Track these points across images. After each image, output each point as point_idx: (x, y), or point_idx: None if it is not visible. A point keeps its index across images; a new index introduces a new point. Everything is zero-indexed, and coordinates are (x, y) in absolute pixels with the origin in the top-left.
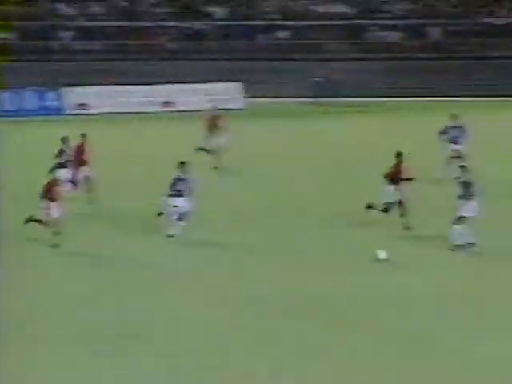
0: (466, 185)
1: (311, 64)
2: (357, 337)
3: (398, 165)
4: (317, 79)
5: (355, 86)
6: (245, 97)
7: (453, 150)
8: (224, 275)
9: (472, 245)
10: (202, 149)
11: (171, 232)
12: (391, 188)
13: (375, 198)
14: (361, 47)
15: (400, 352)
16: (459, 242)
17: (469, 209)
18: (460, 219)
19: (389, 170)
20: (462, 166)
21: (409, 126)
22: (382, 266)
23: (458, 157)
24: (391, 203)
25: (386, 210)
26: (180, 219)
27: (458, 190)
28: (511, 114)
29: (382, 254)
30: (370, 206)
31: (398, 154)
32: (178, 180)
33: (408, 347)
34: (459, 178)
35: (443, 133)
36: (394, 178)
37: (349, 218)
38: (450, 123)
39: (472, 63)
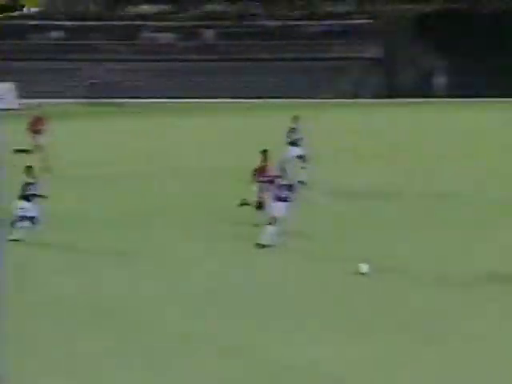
0: (289, 187)
1: (85, 65)
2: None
3: (264, 162)
4: (91, 80)
5: (128, 86)
6: (19, 97)
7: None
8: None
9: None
10: (20, 150)
11: (15, 236)
12: (257, 185)
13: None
14: (135, 49)
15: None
16: (267, 242)
17: (280, 209)
18: (272, 220)
19: (256, 167)
20: (303, 168)
21: (165, 127)
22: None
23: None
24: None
25: (259, 207)
26: (27, 223)
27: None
28: (279, 114)
29: (365, 268)
30: (244, 203)
31: (264, 151)
32: (27, 185)
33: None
34: (302, 181)
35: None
36: (259, 175)
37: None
38: (293, 125)
39: (246, 65)
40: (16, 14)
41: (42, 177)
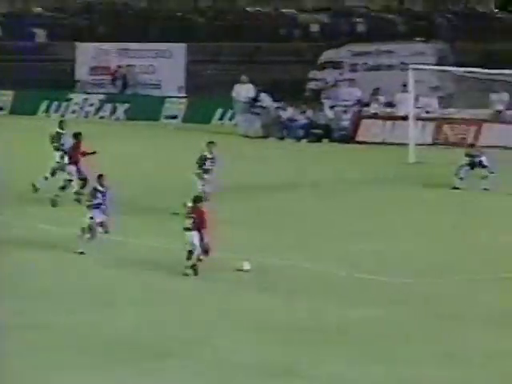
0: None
1: None
2: None
3: (77, 144)
4: None
5: None
6: None
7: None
8: None
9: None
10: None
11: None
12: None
13: None
14: None
15: None
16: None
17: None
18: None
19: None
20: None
21: None
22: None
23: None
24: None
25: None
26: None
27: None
28: None
29: (246, 265)
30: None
31: (78, 134)
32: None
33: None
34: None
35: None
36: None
37: None
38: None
39: None
40: None
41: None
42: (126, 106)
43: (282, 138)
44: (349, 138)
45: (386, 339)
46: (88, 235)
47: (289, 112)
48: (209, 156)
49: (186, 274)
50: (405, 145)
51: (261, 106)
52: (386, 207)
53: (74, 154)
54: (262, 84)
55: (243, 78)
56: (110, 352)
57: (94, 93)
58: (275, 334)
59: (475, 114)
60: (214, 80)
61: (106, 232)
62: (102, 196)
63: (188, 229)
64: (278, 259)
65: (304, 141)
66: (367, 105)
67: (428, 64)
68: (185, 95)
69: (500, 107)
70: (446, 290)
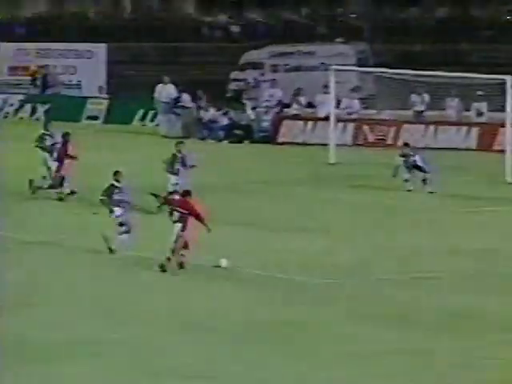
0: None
1: None
2: None
3: (65, 143)
4: None
5: None
6: None
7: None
8: None
9: None
10: None
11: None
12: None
13: None
14: None
15: None
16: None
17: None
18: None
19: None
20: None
21: None
22: None
23: None
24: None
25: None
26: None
27: None
28: None
29: (224, 263)
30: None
31: (66, 134)
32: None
33: None
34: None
35: None
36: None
37: None
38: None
39: None
40: None
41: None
42: (46, 106)
43: (203, 139)
44: (270, 138)
45: (297, 339)
46: (121, 230)
47: (210, 113)
48: (178, 155)
49: (162, 267)
50: (325, 145)
51: (182, 107)
52: (307, 207)
53: (61, 153)
54: (184, 84)
55: (165, 78)
56: None
57: (13, 93)
58: (190, 334)
59: (396, 115)
60: (136, 80)
61: (127, 232)
62: (120, 192)
63: (176, 221)
64: (202, 260)
65: (225, 142)
66: (288, 106)
67: (349, 65)
68: (106, 96)
69: (421, 108)
70: (361, 291)
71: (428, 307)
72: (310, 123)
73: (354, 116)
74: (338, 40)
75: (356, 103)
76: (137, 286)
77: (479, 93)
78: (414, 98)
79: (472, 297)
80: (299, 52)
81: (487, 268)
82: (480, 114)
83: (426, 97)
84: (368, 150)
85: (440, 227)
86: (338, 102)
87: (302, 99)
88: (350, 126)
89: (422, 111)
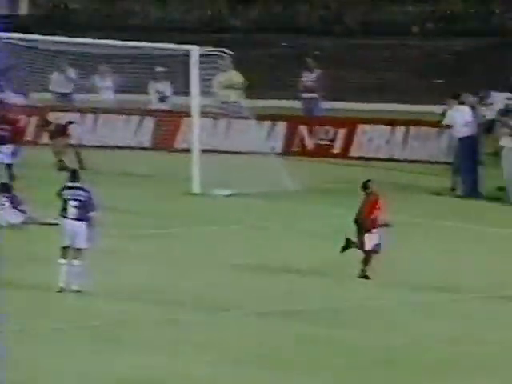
0: None
1: None
2: None
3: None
4: None
5: None
6: None
7: None
8: None
9: None
10: None
11: None
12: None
13: None
14: None
15: None
16: None
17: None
18: None
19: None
20: None
21: None
22: None
23: None
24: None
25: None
26: None
27: None
28: None
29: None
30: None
31: (70, 122)
32: None
33: None
34: None
35: None
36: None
37: None
38: None
39: None
40: None
41: None
42: None
43: None
44: None
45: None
46: None
47: None
48: None
49: None
50: None
51: None
52: None
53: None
54: None
55: None
56: None
57: None
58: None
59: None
60: None
61: None
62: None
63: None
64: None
65: None
66: None
67: None
68: None
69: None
70: None
71: None
72: None
73: None
74: None
75: None
76: None
77: (159, 69)
78: (55, 76)
79: None
80: None
81: None
82: (163, 98)
83: (73, 73)
84: None
85: None
86: None
87: None
88: None
89: (67, 94)
